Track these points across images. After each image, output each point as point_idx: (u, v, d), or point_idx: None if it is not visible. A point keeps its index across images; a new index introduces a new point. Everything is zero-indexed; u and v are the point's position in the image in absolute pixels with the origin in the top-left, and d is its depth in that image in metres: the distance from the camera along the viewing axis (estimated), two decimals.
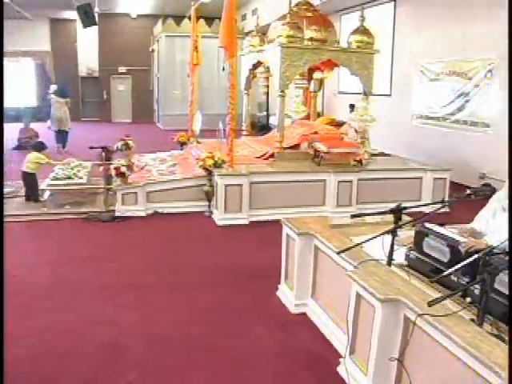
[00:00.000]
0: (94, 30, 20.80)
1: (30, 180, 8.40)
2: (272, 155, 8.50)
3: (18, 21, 21.49)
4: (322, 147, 8.09)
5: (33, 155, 8.49)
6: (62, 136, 13.98)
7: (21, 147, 13.28)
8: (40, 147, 8.75)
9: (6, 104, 21.87)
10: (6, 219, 7.39)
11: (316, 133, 8.95)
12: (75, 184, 8.20)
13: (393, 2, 13.14)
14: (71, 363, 3.68)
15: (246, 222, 7.43)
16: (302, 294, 4.48)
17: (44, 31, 23.95)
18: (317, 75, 10.82)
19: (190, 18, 16.60)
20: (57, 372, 3.57)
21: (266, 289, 4.98)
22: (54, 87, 15.25)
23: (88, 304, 4.69)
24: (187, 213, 7.75)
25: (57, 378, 3.51)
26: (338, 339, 3.84)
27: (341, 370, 3.52)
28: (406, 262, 3.59)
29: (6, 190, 8.79)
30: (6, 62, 23.74)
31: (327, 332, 4.07)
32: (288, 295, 4.65)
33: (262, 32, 10.52)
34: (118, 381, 3.47)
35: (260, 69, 10.46)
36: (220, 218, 7.41)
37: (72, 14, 20.51)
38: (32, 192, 8.37)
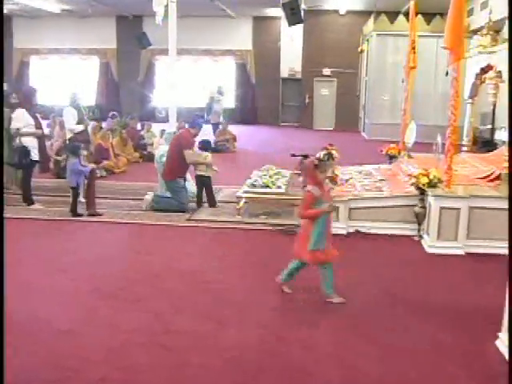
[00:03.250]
0: (299, 28, 21.55)
1: (207, 183, 9.08)
2: (498, 177, 8.10)
3: (222, 19, 23.38)
4: None
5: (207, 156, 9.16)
6: (217, 127, 18.05)
7: (216, 150, 14.30)
8: (205, 147, 9.38)
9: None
10: (197, 224, 8.10)
11: None
12: (273, 193, 8.64)
13: None
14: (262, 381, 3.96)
15: (461, 252, 7.18)
16: None
17: (247, 29, 25.61)
18: None
19: (405, 15, 16.54)
20: None
21: (482, 334, 4.78)
22: (215, 89, 20.00)
23: (275, 319, 5.04)
24: (393, 235, 7.72)
25: None
26: None
27: None
28: None
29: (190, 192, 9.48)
30: (207, 59, 25.78)
31: None
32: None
33: (495, 29, 10.08)
34: None
35: (490, 73, 10.04)
36: (431, 244, 7.27)
37: (276, 12, 21.58)
38: (209, 196, 9.04)
